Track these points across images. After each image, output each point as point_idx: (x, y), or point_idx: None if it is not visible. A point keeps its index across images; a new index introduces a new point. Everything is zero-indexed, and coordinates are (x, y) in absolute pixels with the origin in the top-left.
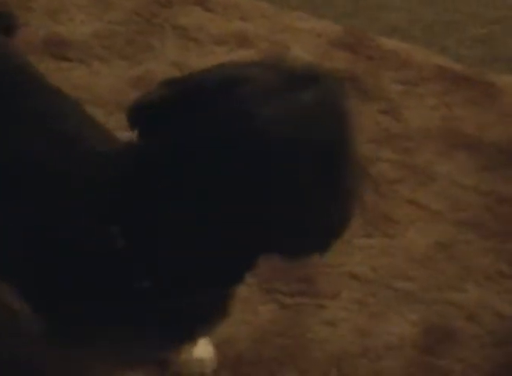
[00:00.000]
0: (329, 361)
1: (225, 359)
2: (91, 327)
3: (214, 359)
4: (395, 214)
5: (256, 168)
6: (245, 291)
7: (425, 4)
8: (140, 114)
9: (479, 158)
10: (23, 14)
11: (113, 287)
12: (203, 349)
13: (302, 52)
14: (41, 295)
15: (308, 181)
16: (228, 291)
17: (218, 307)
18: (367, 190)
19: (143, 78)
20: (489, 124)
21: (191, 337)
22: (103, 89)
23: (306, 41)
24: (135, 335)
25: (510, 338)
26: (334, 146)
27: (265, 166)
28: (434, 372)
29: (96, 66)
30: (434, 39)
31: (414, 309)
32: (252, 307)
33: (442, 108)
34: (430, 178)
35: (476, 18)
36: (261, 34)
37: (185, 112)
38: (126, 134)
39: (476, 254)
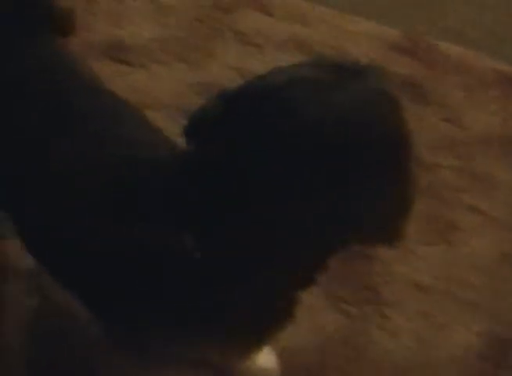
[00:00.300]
0: (393, 371)
1: (289, 368)
2: (154, 332)
3: (278, 369)
4: (458, 222)
5: (313, 162)
6: (310, 299)
7: (485, 9)
8: (196, 130)
9: None
10: (85, 18)
11: (187, 294)
12: (266, 358)
13: (363, 57)
14: (108, 301)
15: (370, 169)
16: (297, 294)
17: (285, 311)
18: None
19: (204, 83)
20: None
21: (258, 341)
22: (163, 93)
23: (366, 45)
24: (205, 339)
25: None
26: (390, 133)
27: (322, 160)
28: None
29: (156, 70)
30: (495, 44)
31: (478, 319)
32: (317, 316)
33: (503, 114)
34: (492, 185)
35: None
36: (322, 39)
37: (237, 121)
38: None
39: None
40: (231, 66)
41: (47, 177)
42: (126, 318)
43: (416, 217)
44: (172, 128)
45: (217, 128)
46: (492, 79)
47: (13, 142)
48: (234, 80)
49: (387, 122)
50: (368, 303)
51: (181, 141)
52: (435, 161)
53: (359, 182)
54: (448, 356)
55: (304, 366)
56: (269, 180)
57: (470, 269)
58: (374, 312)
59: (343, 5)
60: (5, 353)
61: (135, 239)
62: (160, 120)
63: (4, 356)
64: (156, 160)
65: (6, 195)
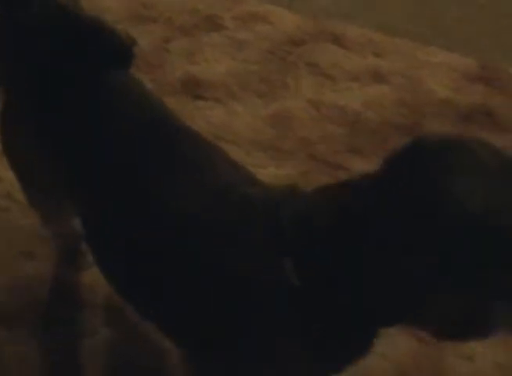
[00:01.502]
0: None
1: None
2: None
3: None
4: None
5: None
6: None
7: None
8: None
9: None
10: (160, 56)
11: (280, 323)
12: None
13: (437, 87)
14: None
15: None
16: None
17: (367, 343)
18: None
19: (279, 116)
20: None
21: (337, 370)
22: (240, 127)
23: (441, 75)
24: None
25: None
26: None
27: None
28: None
29: (232, 104)
30: None
31: None
32: (391, 341)
33: None
34: None
35: None
36: (396, 70)
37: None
38: None
39: None
40: (306, 99)
41: (137, 214)
42: (216, 350)
43: None
44: (251, 161)
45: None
46: None
47: (102, 177)
48: (308, 111)
49: None
50: None
51: (260, 172)
52: None
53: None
54: None
55: None
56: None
57: None
58: None
59: (416, 36)
60: None
61: (234, 268)
62: (239, 153)
63: None
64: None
65: (91, 229)
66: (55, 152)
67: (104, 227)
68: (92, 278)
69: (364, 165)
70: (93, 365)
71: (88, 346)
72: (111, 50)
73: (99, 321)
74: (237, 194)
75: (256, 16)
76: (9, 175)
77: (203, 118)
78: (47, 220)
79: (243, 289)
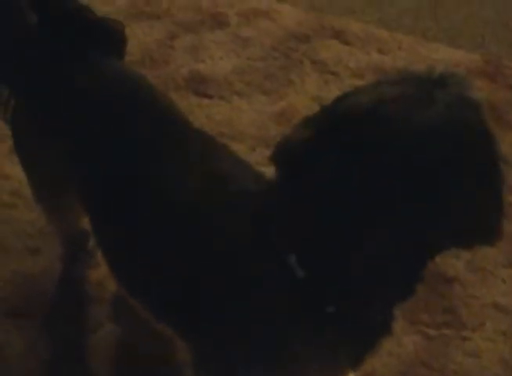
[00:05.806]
0: None
1: None
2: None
3: None
4: None
5: (421, 176)
6: None
7: None
8: (284, 157)
9: None
10: (165, 53)
11: (292, 315)
12: None
13: None
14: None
15: (468, 173)
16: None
17: (385, 327)
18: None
19: (284, 113)
20: None
21: (356, 360)
22: (245, 125)
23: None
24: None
25: None
26: (479, 137)
27: (428, 172)
28: None
29: (237, 101)
30: None
31: None
32: (396, 338)
33: None
34: None
35: None
36: (399, 66)
37: (331, 145)
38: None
39: None
40: (310, 96)
41: (144, 209)
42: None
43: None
44: (255, 159)
45: (309, 152)
46: None
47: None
48: (313, 108)
49: (476, 127)
50: (447, 325)
51: (265, 170)
52: None
53: (460, 185)
54: None
55: None
56: (377, 197)
57: None
58: (454, 334)
59: (419, 32)
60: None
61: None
62: (243, 151)
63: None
64: (246, 191)
65: (99, 227)
66: (62, 150)
67: (111, 222)
68: (98, 275)
69: None
70: (97, 357)
71: (92, 340)
72: (100, 36)
73: (104, 316)
74: (236, 187)
75: (259, 12)
76: (17, 172)
77: (207, 115)
78: (53, 218)
79: (244, 290)
